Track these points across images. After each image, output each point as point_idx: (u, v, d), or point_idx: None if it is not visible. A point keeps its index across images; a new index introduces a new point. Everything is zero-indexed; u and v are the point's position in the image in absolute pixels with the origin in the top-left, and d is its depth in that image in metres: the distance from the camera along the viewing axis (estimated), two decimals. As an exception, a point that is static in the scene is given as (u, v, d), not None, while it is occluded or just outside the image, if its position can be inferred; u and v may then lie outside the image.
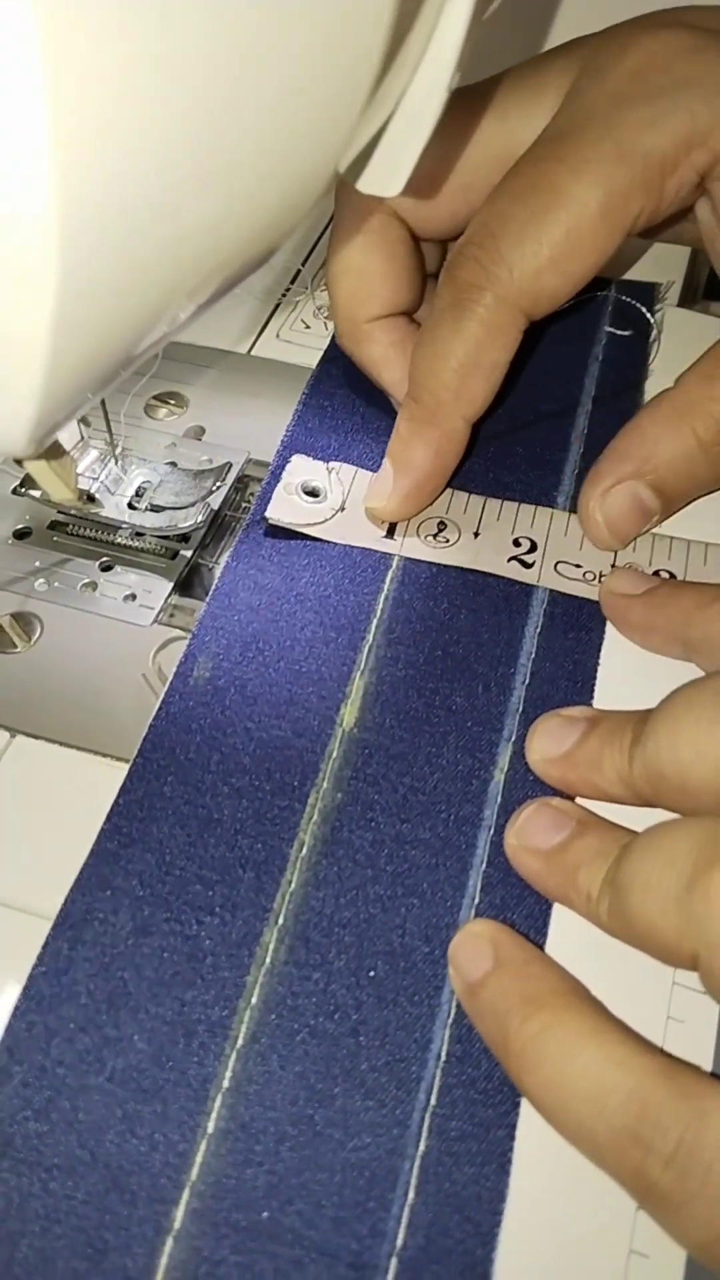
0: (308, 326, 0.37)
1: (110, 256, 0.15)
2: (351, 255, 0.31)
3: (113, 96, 0.13)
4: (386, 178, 0.21)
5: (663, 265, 0.39)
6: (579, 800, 0.25)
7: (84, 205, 0.14)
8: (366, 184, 0.21)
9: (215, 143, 0.15)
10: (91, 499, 0.30)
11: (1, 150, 0.13)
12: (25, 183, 0.13)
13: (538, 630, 0.28)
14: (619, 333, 0.36)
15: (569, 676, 0.28)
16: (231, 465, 0.31)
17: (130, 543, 0.31)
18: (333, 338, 0.36)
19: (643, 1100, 0.19)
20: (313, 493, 0.30)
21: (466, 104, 0.30)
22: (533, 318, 0.28)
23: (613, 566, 0.29)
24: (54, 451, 0.22)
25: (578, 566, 0.29)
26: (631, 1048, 0.20)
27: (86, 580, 0.30)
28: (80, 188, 0.14)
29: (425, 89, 0.18)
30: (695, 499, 0.30)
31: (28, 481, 0.30)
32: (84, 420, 0.30)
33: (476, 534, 0.30)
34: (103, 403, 0.26)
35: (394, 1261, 0.20)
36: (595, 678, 0.28)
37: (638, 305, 0.36)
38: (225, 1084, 0.21)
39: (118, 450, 0.29)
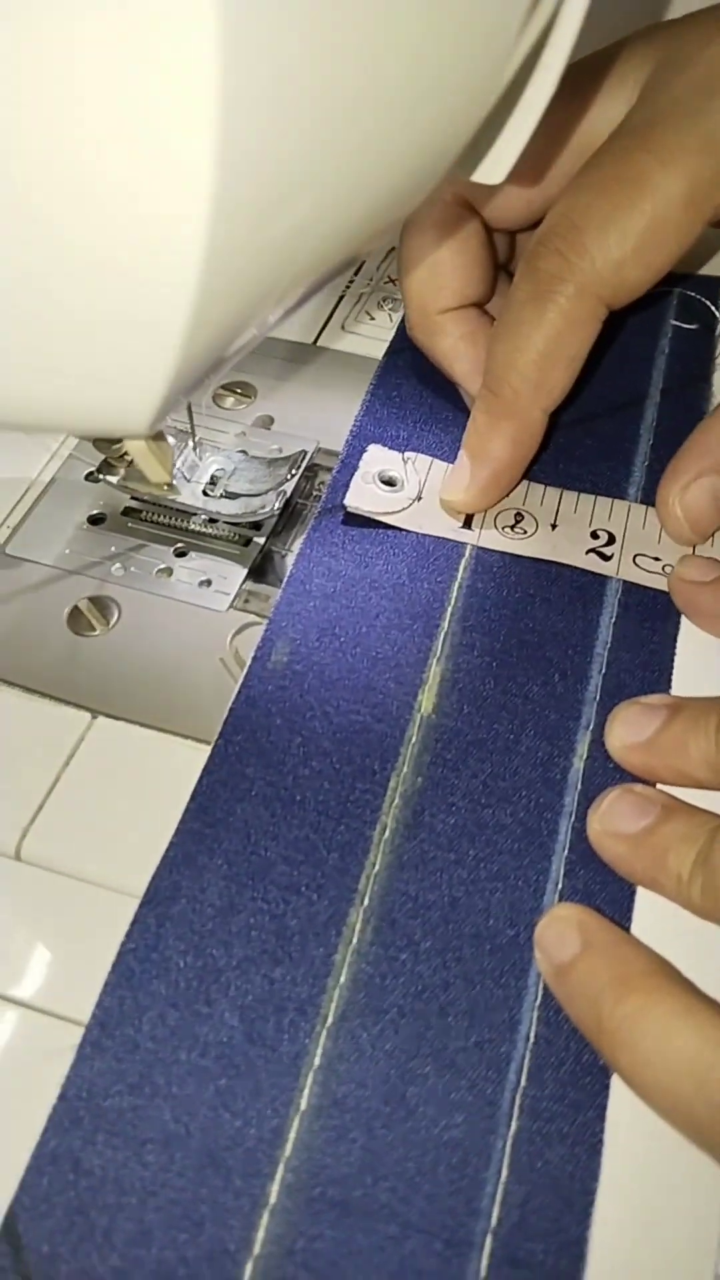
0: (372, 318, 0.37)
1: (255, 234, 0.15)
2: (424, 246, 0.31)
3: (275, 71, 0.13)
4: (493, 164, 0.21)
5: None
6: (661, 788, 0.25)
7: (235, 181, 0.14)
8: (476, 174, 0.21)
9: (363, 119, 0.15)
10: (169, 485, 0.30)
11: (161, 119, 0.13)
12: (180, 159, 0.14)
13: (613, 620, 0.29)
14: (685, 326, 0.36)
15: (645, 666, 0.28)
16: (307, 453, 0.32)
17: (204, 529, 0.31)
18: (399, 328, 0.36)
19: None
20: (389, 482, 0.31)
21: None
22: (612, 309, 0.28)
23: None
24: (156, 434, 0.22)
25: (656, 560, 0.30)
26: None
27: (161, 566, 0.30)
28: (234, 163, 0.14)
29: (543, 77, 0.19)
30: None
31: (103, 468, 0.31)
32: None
33: (554, 525, 0.30)
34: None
35: (489, 1239, 0.20)
36: (672, 668, 0.28)
37: (703, 300, 0.36)
38: (316, 1061, 0.22)
39: (197, 437, 0.30)
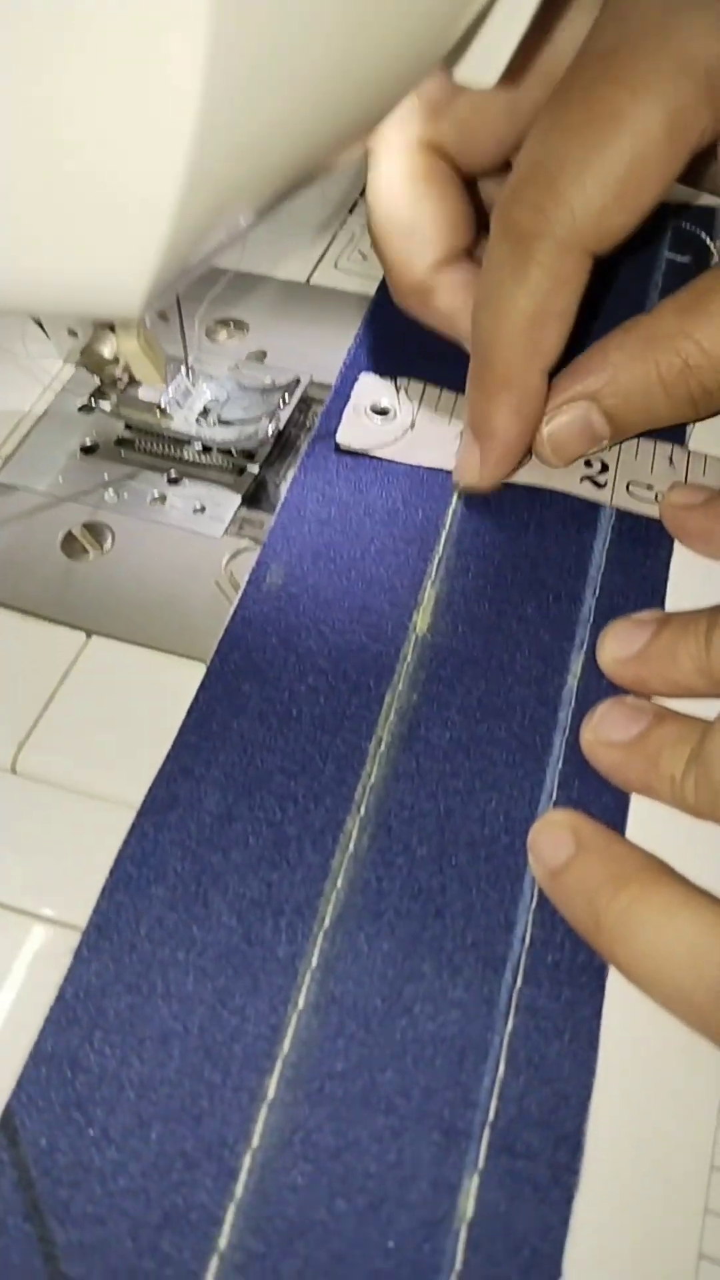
0: (365, 257, 0.37)
1: (248, 101, 0.15)
2: (396, 205, 0.29)
3: None
4: (483, 68, 0.21)
5: None
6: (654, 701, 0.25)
7: (229, 47, 0.14)
8: (463, 74, 0.21)
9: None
10: (162, 410, 0.30)
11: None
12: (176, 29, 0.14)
13: (606, 545, 0.29)
14: (679, 259, 0.36)
15: (638, 588, 0.28)
16: (300, 380, 0.31)
17: (197, 458, 0.31)
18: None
19: None
20: (382, 411, 0.31)
21: None
22: (600, 255, 0.27)
23: (679, 485, 0.30)
24: (147, 336, 0.22)
25: (649, 488, 0.30)
26: None
27: (155, 494, 0.30)
28: (229, 29, 0.14)
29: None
30: (648, 430, 0.29)
31: (97, 394, 0.31)
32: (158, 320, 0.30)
33: (547, 455, 0.30)
34: (179, 308, 0.26)
35: (486, 1130, 0.20)
36: (665, 590, 0.28)
37: (697, 231, 0.36)
38: (314, 961, 0.22)
39: (190, 359, 0.30)
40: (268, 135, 0.17)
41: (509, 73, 0.21)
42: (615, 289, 0.35)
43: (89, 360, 0.28)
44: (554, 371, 0.28)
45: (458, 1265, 0.19)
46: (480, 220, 0.31)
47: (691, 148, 0.26)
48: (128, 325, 0.22)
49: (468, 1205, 0.19)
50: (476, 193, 0.32)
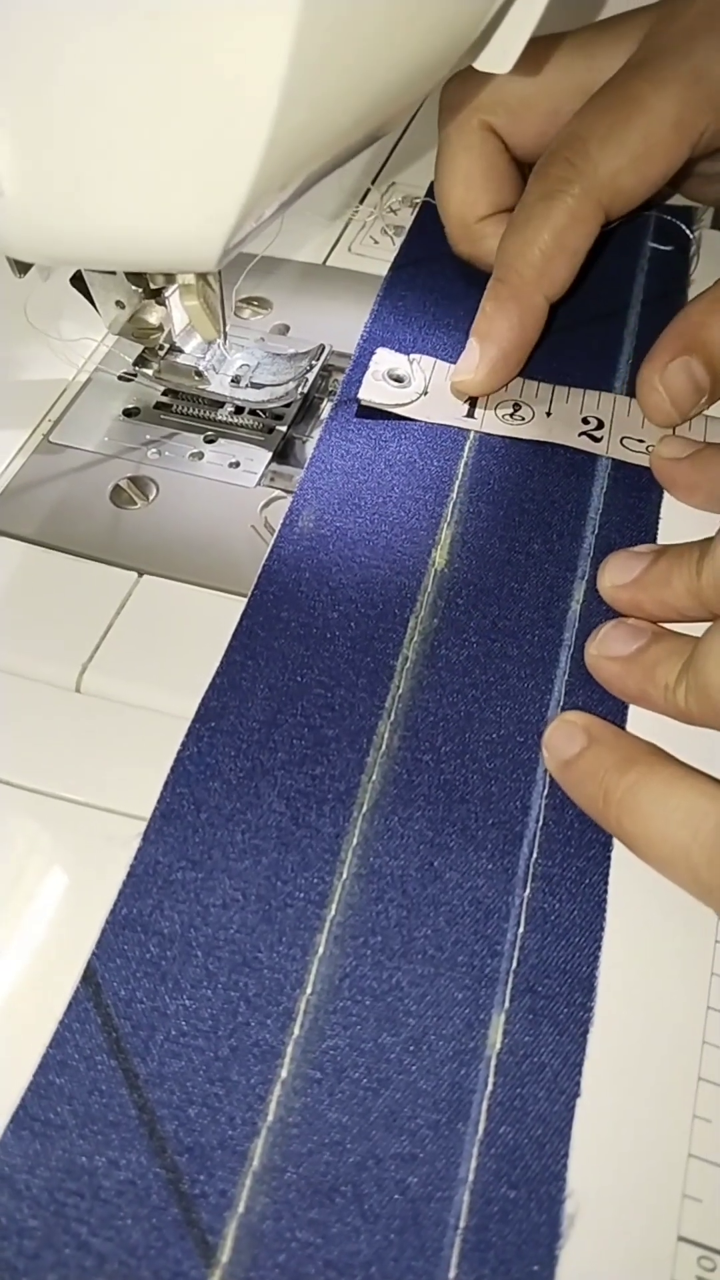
0: (376, 242, 0.41)
1: (316, 79, 0.18)
2: (459, 166, 0.35)
3: None
4: (501, 56, 0.24)
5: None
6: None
7: (311, 26, 0.17)
8: (483, 62, 0.25)
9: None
10: (200, 374, 0.33)
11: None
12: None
13: (603, 490, 0.32)
14: (661, 248, 0.39)
15: (633, 528, 0.31)
16: (325, 347, 0.35)
17: (230, 419, 0.34)
18: (401, 247, 0.39)
19: None
20: (398, 379, 0.34)
21: (558, 44, 0.35)
22: (610, 216, 0.32)
23: (669, 439, 0.33)
24: (206, 294, 0.25)
25: (641, 441, 0.33)
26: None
27: (193, 451, 0.33)
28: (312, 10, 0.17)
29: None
30: None
31: (140, 361, 0.34)
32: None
33: (549, 413, 0.33)
34: (220, 285, 0.29)
35: (511, 976, 0.23)
36: (656, 530, 0.31)
37: (678, 223, 0.40)
38: (355, 839, 0.25)
39: (227, 326, 0.33)
40: (330, 109, 0.20)
41: (522, 62, 0.24)
42: (607, 272, 0.38)
43: (136, 328, 0.31)
44: (557, 306, 0.33)
45: (490, 1088, 0.22)
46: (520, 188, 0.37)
47: (692, 142, 0.32)
48: (189, 285, 0.25)
49: (496, 1037, 0.22)
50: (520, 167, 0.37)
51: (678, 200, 0.42)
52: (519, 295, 0.32)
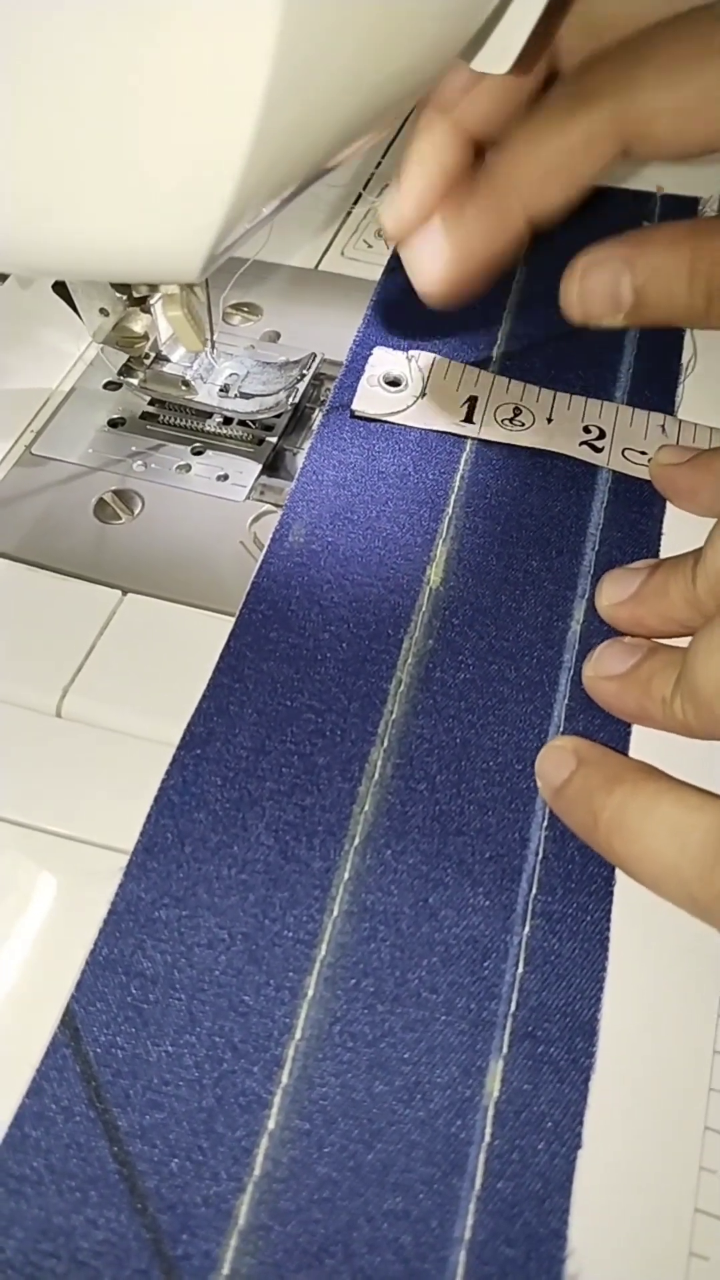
0: (370, 245, 0.40)
1: (305, 80, 0.17)
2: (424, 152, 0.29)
3: None
4: (498, 57, 0.23)
5: (706, 179, 0.41)
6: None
7: (297, 24, 0.16)
8: (480, 63, 0.24)
9: None
10: (187, 384, 0.32)
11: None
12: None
13: (603, 505, 0.31)
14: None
15: (635, 544, 0.30)
16: (316, 355, 0.33)
17: (218, 430, 0.33)
18: (394, 251, 0.38)
19: None
20: (394, 382, 0.33)
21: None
22: (629, 154, 0.28)
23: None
24: (190, 304, 0.24)
25: (643, 454, 0.32)
26: (706, 796, 0.22)
27: (180, 463, 0.32)
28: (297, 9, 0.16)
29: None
30: (664, 322, 0.29)
31: (125, 370, 0.33)
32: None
33: (549, 420, 0.32)
34: (207, 292, 0.28)
35: (509, 1020, 0.22)
36: (659, 547, 0.30)
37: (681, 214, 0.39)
38: (346, 875, 0.24)
39: (214, 336, 0.32)
40: (318, 114, 0.19)
41: (520, 62, 0.23)
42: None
43: (121, 336, 0.30)
44: (539, 234, 0.29)
45: (487, 1139, 0.21)
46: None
47: None
48: (172, 295, 0.24)
49: (494, 1085, 0.21)
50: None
51: (682, 190, 0.41)
52: (501, 195, 0.28)
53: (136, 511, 0.31)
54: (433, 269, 0.29)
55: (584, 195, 0.28)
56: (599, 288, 0.29)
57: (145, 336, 0.30)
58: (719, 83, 0.27)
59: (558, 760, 0.24)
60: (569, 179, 0.28)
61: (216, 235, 0.19)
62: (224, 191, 0.18)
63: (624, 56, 0.27)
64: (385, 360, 0.33)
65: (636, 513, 0.31)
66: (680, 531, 0.30)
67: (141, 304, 0.29)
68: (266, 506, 0.31)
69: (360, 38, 0.18)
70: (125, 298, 0.29)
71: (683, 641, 0.26)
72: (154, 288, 0.27)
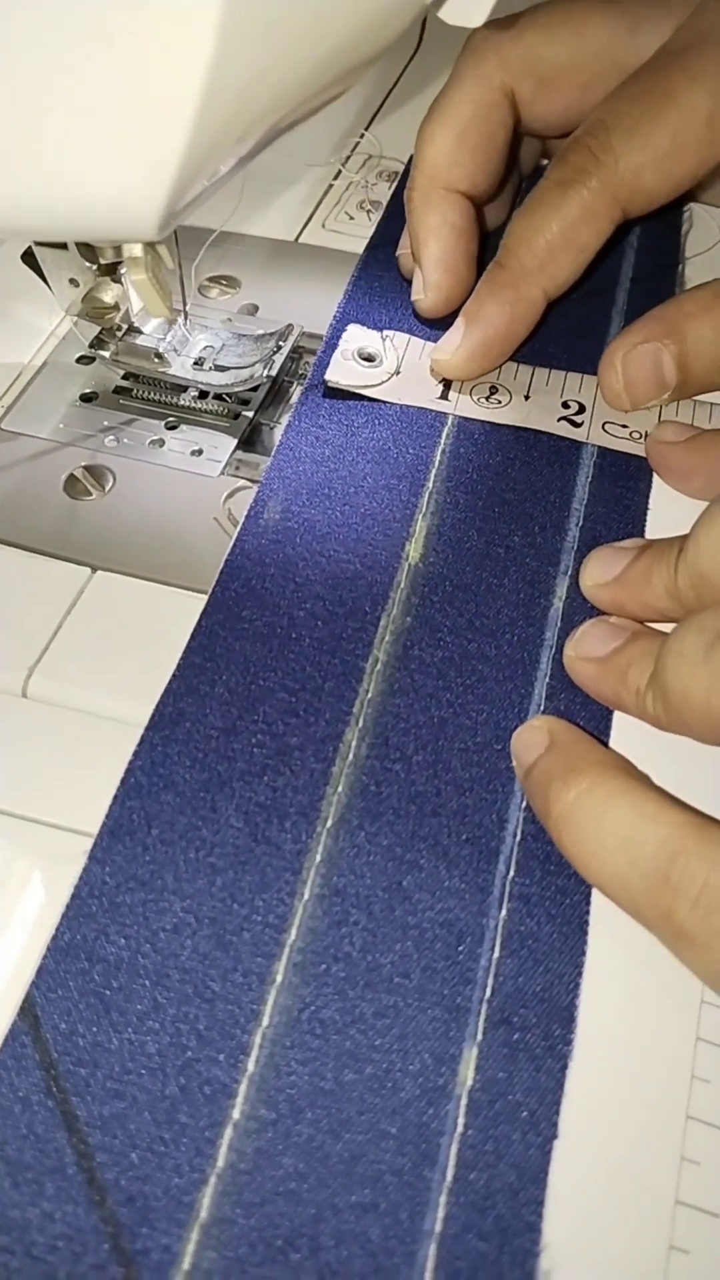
0: (351, 218, 0.39)
1: (259, 32, 0.16)
2: (455, 118, 0.32)
3: None
4: (470, 9, 0.22)
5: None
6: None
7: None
8: (449, 14, 0.23)
9: None
10: (160, 356, 0.31)
11: None
12: None
13: (588, 479, 0.30)
14: (651, 223, 0.37)
15: (620, 519, 0.29)
16: (293, 326, 0.33)
17: (193, 404, 0.32)
18: (379, 225, 0.37)
19: (672, 850, 0.20)
20: (369, 358, 0.32)
21: (598, 12, 0.32)
22: (628, 214, 0.30)
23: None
24: (154, 269, 0.23)
25: (624, 426, 0.31)
26: (664, 804, 0.21)
27: (154, 438, 0.31)
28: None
29: None
30: (714, 388, 0.31)
31: (97, 343, 0.32)
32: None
33: (527, 397, 0.32)
34: (177, 255, 0.27)
35: (484, 1006, 0.21)
36: (645, 523, 0.29)
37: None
38: (318, 857, 0.23)
39: (187, 306, 0.31)
40: (277, 61, 0.18)
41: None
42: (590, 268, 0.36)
43: (90, 307, 0.29)
44: (555, 303, 0.31)
45: (459, 1129, 0.20)
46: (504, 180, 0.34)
47: None
48: (136, 258, 0.23)
49: (468, 1073, 0.20)
50: (512, 161, 0.35)
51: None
52: (516, 283, 0.30)
53: (108, 487, 0.30)
54: (457, 359, 0.31)
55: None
56: (642, 373, 0.30)
57: (116, 307, 0.29)
58: (684, 124, 0.29)
59: (531, 740, 0.24)
60: (577, 253, 0.30)
61: (171, 188, 0.18)
62: (177, 142, 0.17)
63: (594, 130, 0.30)
64: (359, 337, 0.32)
65: (622, 488, 0.30)
66: (667, 508, 0.29)
67: (111, 273, 0.28)
68: (242, 482, 0.30)
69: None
70: (94, 266, 0.28)
71: (670, 626, 0.26)
72: (120, 253, 0.26)
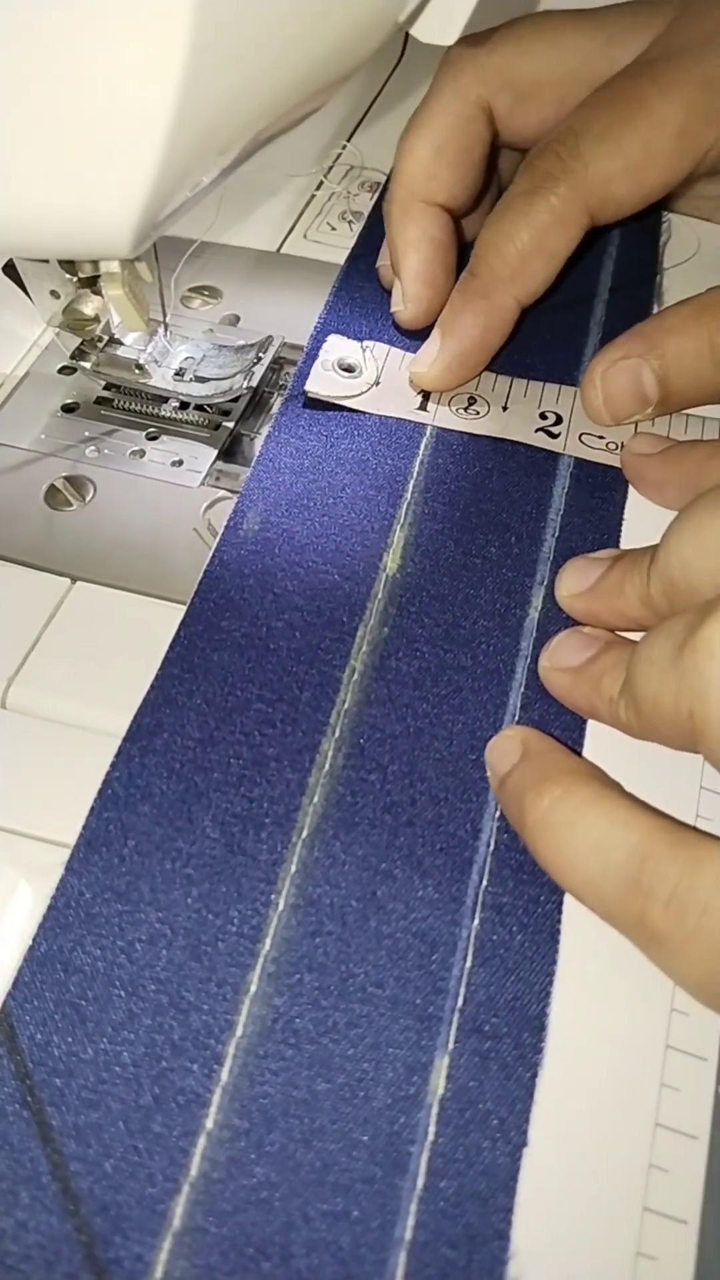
0: (333, 229, 0.39)
1: (232, 46, 0.17)
2: (433, 132, 0.32)
3: None
4: (443, 27, 0.23)
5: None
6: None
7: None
8: (423, 32, 0.23)
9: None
10: (140, 368, 0.31)
11: None
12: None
13: (565, 491, 0.30)
14: (630, 232, 0.38)
15: (596, 530, 0.29)
16: (273, 338, 0.33)
17: (174, 415, 0.32)
18: (360, 236, 0.37)
19: (643, 854, 0.20)
20: (349, 369, 0.32)
21: (574, 24, 0.32)
22: (596, 221, 0.30)
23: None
24: (131, 283, 0.23)
25: (600, 438, 0.31)
26: (635, 811, 0.21)
27: (135, 449, 0.32)
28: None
29: None
30: (695, 404, 0.31)
31: (78, 354, 0.32)
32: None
33: (505, 408, 0.32)
34: (157, 266, 0.27)
35: (456, 1015, 0.21)
36: (620, 534, 0.29)
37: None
38: (293, 868, 0.23)
39: (167, 317, 0.31)
40: (251, 79, 0.18)
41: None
42: (574, 255, 0.37)
43: (71, 319, 0.29)
44: (528, 309, 0.32)
45: (430, 1138, 0.20)
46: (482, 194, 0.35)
47: (695, 157, 0.30)
48: (113, 273, 0.23)
49: (439, 1082, 0.21)
50: (490, 174, 0.35)
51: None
52: (488, 292, 0.30)
53: (88, 498, 0.30)
54: (434, 371, 0.31)
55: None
56: (622, 389, 0.31)
57: (96, 319, 0.29)
58: (654, 134, 0.30)
59: (504, 750, 0.24)
60: (548, 260, 0.31)
61: (144, 206, 0.18)
62: (149, 162, 0.17)
63: (564, 136, 0.30)
64: (339, 347, 0.33)
65: (598, 499, 0.30)
66: (642, 519, 0.30)
67: (92, 285, 0.28)
68: (222, 493, 0.31)
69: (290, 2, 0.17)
70: (74, 279, 0.28)
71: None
72: (99, 267, 0.26)
